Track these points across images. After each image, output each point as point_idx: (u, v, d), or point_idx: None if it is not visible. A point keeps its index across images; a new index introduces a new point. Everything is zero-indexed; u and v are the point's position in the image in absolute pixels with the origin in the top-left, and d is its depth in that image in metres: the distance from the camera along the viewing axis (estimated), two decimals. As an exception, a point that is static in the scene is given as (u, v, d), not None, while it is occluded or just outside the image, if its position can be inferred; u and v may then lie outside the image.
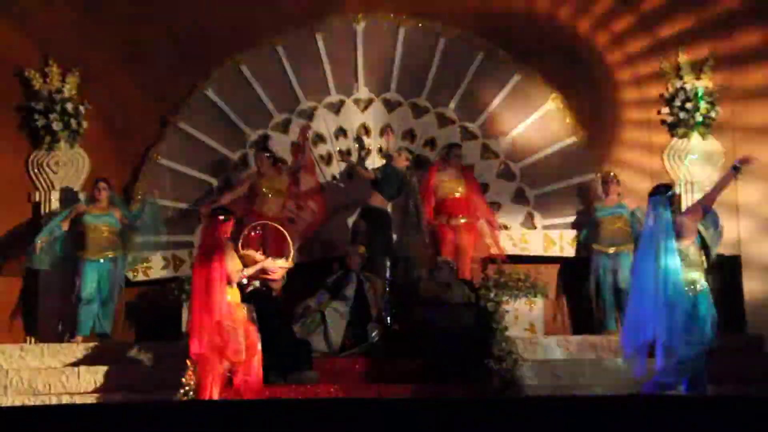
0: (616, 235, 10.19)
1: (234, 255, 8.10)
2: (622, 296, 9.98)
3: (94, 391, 8.76)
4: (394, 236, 10.15)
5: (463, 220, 10.20)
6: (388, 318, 9.27)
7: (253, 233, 8.99)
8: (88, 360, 9.38)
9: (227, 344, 7.83)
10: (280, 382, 8.35)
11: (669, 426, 5.34)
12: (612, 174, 10.37)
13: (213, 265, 7.85)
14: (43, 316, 10.24)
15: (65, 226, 10.03)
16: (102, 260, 10.06)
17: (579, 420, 5.34)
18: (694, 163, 10.50)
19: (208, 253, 7.94)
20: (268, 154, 10.33)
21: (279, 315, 8.80)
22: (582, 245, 10.48)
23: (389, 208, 10.20)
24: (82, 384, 8.88)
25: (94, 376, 8.99)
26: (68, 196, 10.48)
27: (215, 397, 7.76)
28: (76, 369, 9.10)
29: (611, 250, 10.17)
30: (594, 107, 10.81)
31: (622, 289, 10.01)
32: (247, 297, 8.85)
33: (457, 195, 10.21)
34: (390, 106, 10.96)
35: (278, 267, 8.44)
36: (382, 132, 10.73)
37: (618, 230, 10.21)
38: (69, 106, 10.56)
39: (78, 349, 9.55)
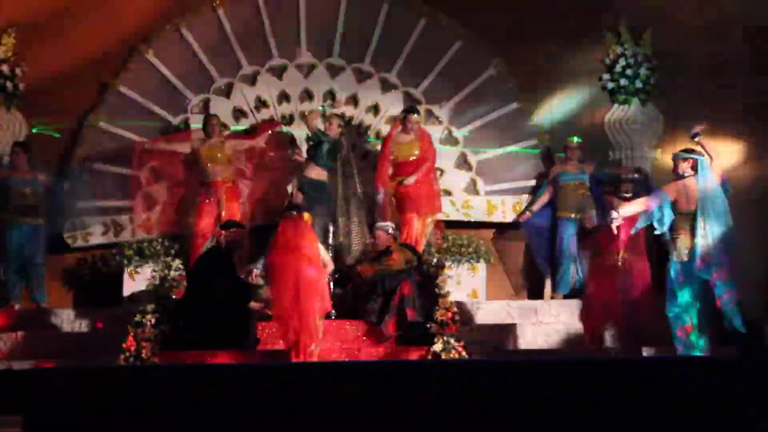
0: (579, 202, 10.14)
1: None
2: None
3: (32, 357, 8.66)
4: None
5: (413, 179, 10.08)
6: (331, 283, 9.26)
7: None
8: (24, 325, 9.26)
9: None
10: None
11: (610, 387, 5.41)
12: (574, 139, 10.34)
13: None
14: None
15: None
16: (24, 225, 9.85)
17: (518, 383, 5.39)
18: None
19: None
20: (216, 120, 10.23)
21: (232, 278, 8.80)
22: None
23: (326, 178, 10.10)
24: (19, 349, 8.80)
25: (31, 341, 8.90)
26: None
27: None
28: (13, 335, 9.00)
29: (577, 216, 10.05)
30: (535, 73, 10.83)
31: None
32: (201, 257, 8.87)
33: (412, 159, 10.11)
34: (333, 71, 10.89)
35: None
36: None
37: (581, 196, 10.20)
38: (5, 68, 10.35)
39: (14, 315, 9.43)
